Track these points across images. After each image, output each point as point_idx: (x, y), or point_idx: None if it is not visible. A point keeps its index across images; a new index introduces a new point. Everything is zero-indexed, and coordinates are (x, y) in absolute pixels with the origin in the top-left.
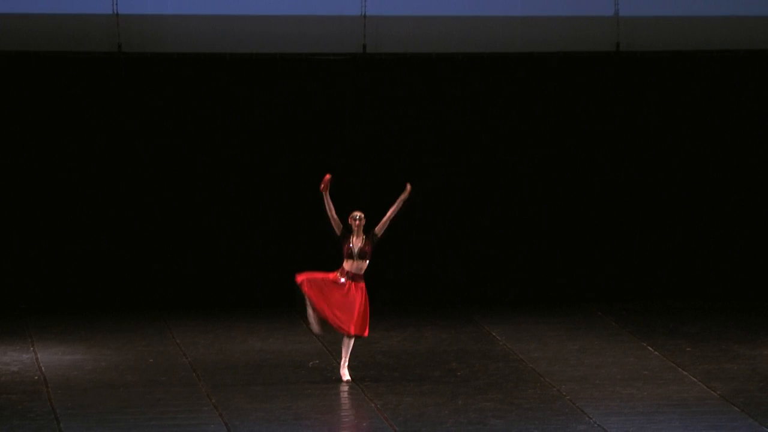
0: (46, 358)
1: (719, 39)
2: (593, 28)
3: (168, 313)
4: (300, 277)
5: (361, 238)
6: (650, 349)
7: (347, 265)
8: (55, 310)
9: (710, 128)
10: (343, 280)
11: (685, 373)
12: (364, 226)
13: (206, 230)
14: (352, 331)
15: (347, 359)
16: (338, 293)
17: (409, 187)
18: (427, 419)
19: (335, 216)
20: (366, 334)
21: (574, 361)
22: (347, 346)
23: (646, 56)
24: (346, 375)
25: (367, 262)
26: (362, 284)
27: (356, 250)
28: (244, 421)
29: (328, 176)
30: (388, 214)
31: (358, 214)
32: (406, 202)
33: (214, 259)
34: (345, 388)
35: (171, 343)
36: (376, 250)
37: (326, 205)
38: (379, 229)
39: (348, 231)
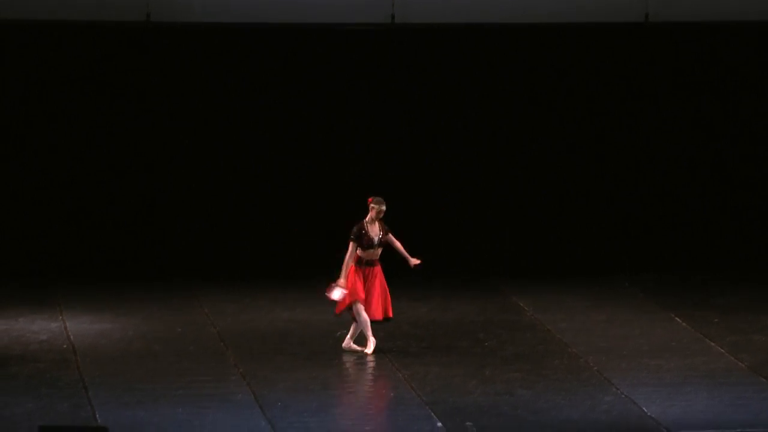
0: (75, 327)
1: (750, 9)
2: None
3: (196, 283)
4: (338, 309)
5: (376, 225)
6: (678, 320)
7: (363, 254)
8: (83, 279)
9: (740, 99)
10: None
11: (712, 344)
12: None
13: (234, 200)
14: (379, 317)
15: (353, 334)
16: (363, 288)
17: (417, 265)
18: (454, 389)
19: (351, 258)
20: (390, 314)
21: (601, 332)
22: (364, 327)
23: (675, 27)
24: (355, 347)
25: (381, 249)
26: (378, 267)
27: (377, 240)
28: (271, 390)
29: (342, 285)
30: (397, 247)
31: (380, 204)
32: (403, 258)
33: (242, 229)
34: (372, 358)
35: (199, 313)
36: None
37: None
38: (388, 239)
39: (357, 229)
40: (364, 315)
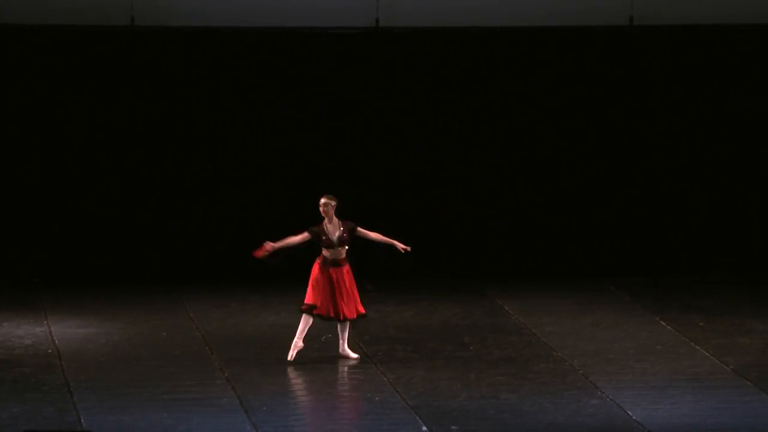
0: (60, 331)
1: (734, 12)
2: (607, 2)
3: (181, 287)
4: (305, 305)
5: (335, 224)
6: (663, 323)
7: (327, 253)
8: (68, 283)
9: (725, 102)
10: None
11: (697, 347)
12: (337, 211)
13: (220, 203)
14: (352, 316)
15: (346, 338)
16: (329, 287)
17: (406, 249)
18: (439, 393)
19: (296, 239)
20: (362, 310)
21: (586, 335)
22: (343, 329)
23: (660, 30)
24: (351, 353)
25: (346, 247)
26: (346, 267)
27: (335, 238)
28: (257, 395)
29: (268, 246)
30: (376, 237)
31: (324, 200)
32: (392, 248)
33: (228, 232)
34: (357, 362)
35: (184, 317)
36: (351, 236)
37: (284, 248)
38: (359, 233)
39: (317, 228)
40: (306, 323)
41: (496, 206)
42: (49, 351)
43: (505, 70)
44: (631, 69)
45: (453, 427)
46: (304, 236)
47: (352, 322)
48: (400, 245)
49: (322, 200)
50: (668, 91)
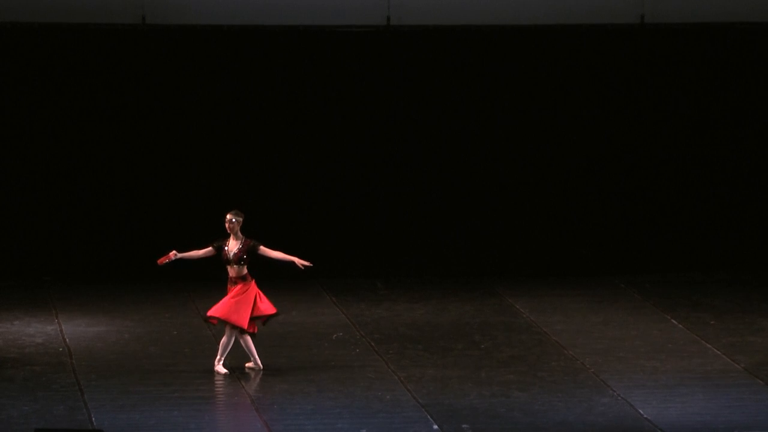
0: (71, 329)
1: (745, 10)
2: (618, 0)
3: (191, 285)
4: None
5: (237, 242)
6: (674, 321)
7: (229, 270)
8: (79, 281)
9: (736, 100)
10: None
11: (708, 345)
12: (242, 229)
13: (228, 201)
14: (243, 324)
15: (225, 355)
16: (229, 306)
17: (305, 266)
18: (450, 391)
19: (200, 253)
20: (255, 330)
21: (597, 333)
22: (228, 341)
23: (671, 28)
24: (223, 369)
25: (245, 267)
26: (245, 285)
27: (231, 255)
28: (267, 394)
29: (172, 254)
30: (277, 256)
31: (229, 216)
32: (290, 264)
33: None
34: (368, 360)
35: (194, 315)
36: (252, 255)
37: (188, 259)
38: (261, 252)
39: (221, 243)
40: (228, 338)
41: (507, 204)
42: (60, 349)
43: (515, 67)
44: (642, 67)
45: (464, 426)
46: (207, 250)
47: (250, 335)
48: (299, 261)
49: (227, 216)
50: (679, 89)
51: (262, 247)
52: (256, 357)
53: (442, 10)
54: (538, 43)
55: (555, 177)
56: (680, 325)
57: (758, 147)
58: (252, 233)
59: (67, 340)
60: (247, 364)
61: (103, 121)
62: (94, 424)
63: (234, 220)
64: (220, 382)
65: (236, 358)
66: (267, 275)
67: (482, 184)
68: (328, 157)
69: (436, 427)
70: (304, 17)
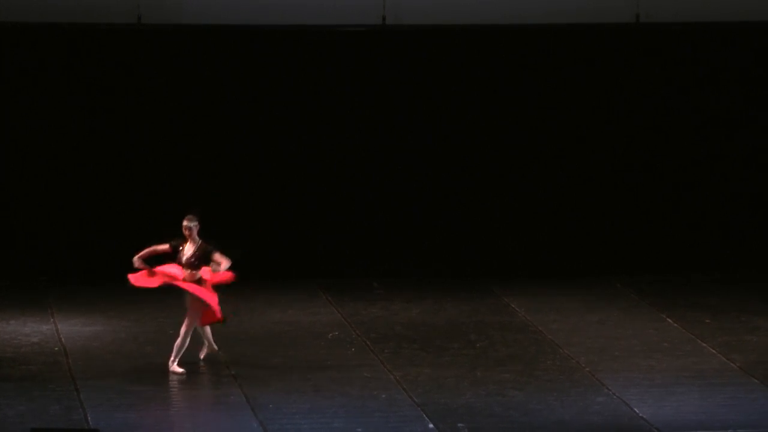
0: (67, 329)
1: (741, 10)
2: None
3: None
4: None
5: (193, 246)
6: (669, 320)
7: (185, 273)
8: (75, 281)
9: (732, 100)
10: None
11: (704, 344)
12: (200, 233)
13: (225, 201)
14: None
15: (180, 355)
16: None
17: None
18: (446, 391)
19: (160, 249)
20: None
21: (593, 332)
22: (183, 341)
23: (666, 28)
24: (179, 369)
25: (199, 273)
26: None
27: (184, 260)
28: (263, 393)
29: (137, 263)
30: (219, 267)
31: (185, 222)
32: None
33: (234, 230)
34: (364, 359)
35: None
36: (206, 261)
37: (150, 254)
38: (213, 258)
39: (178, 244)
40: (183, 339)
41: (503, 203)
42: (56, 349)
43: (511, 67)
44: (637, 67)
45: (460, 424)
46: (165, 248)
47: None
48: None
49: (184, 222)
50: (675, 89)
51: (216, 255)
52: (212, 341)
53: (437, 10)
54: (534, 43)
55: (550, 176)
56: (676, 325)
57: (754, 146)
58: (249, 233)
59: (63, 339)
60: (201, 355)
61: (98, 121)
62: (90, 423)
63: (190, 225)
64: (217, 382)
65: (229, 355)
66: (263, 274)
67: (478, 184)
68: (323, 157)
69: (431, 426)
70: (299, 17)
